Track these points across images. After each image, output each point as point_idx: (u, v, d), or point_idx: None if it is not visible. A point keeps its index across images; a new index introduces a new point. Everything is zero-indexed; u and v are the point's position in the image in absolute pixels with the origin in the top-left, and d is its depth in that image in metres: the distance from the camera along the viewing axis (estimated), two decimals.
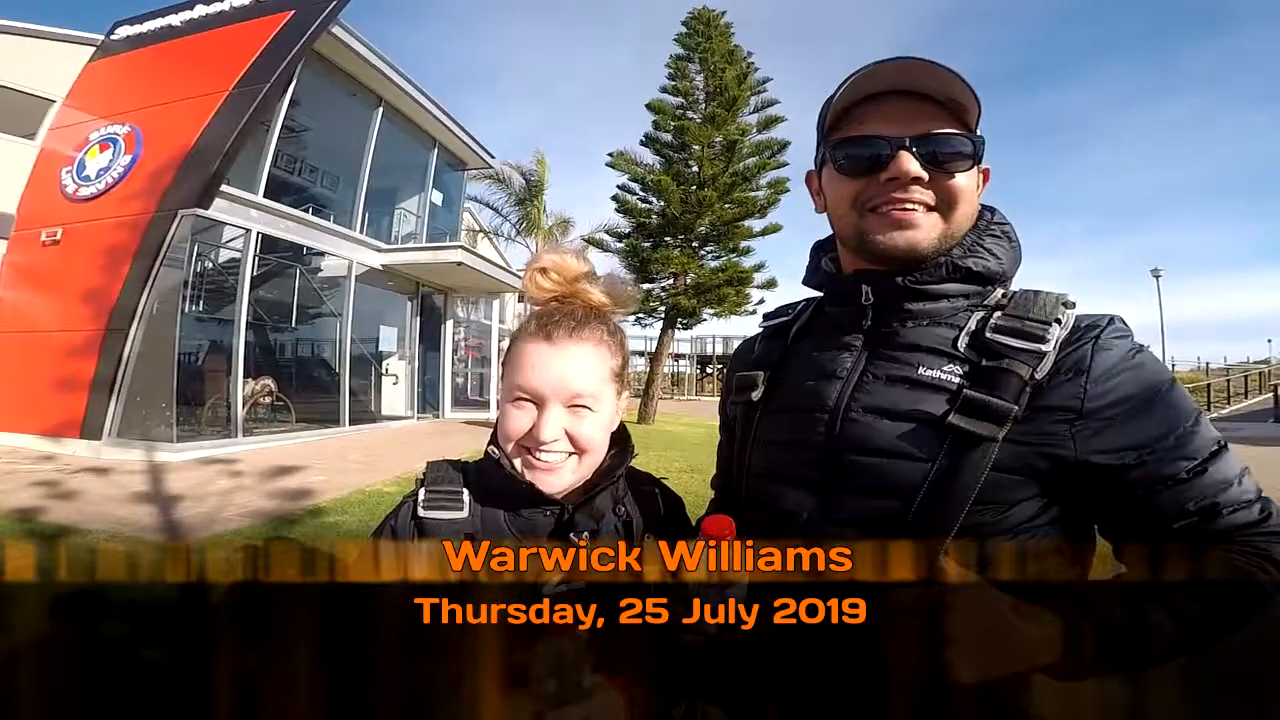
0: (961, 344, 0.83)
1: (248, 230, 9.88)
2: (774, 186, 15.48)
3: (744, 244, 16.06)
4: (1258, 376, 29.95)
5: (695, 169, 15.45)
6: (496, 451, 1.02)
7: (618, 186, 16.14)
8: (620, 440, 1.09)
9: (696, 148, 15.35)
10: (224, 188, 9.02)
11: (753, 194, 15.54)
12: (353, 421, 11.75)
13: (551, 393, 0.99)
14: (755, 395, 1.00)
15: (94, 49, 11.03)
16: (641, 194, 16.03)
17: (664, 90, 15.93)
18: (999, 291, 0.88)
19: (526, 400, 0.99)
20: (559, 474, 1.01)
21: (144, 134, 9.52)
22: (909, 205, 0.84)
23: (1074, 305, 0.83)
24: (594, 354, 1.02)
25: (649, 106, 15.78)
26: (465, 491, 1.03)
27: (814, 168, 0.97)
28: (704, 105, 15.63)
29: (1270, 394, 24.44)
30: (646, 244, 16.08)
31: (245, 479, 6.99)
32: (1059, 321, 0.81)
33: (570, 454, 1.01)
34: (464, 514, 1.01)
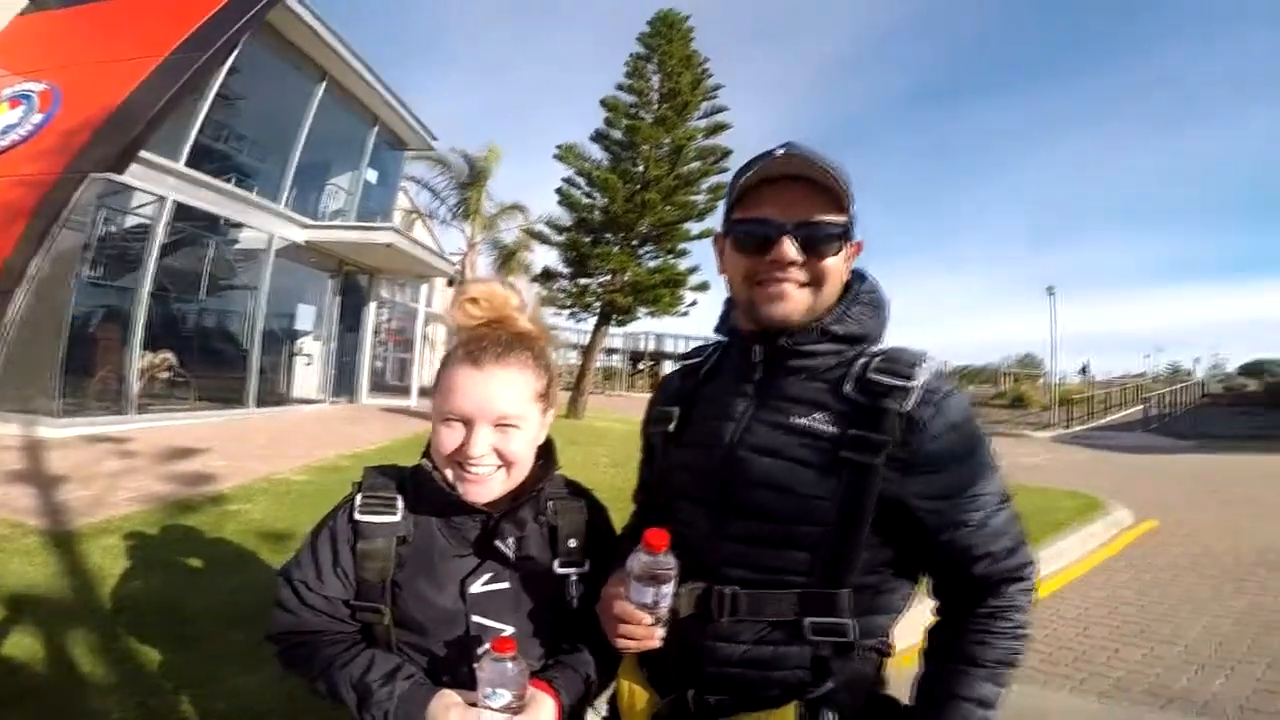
0: (848, 388, 1.00)
1: (162, 198, 9.23)
2: (713, 192, 15.57)
3: (681, 246, 16.14)
4: (1133, 389, 32.66)
5: (641, 169, 15.43)
6: (429, 464, 1.09)
7: (563, 180, 15.98)
8: (545, 453, 1.18)
9: (645, 148, 15.34)
10: (142, 153, 8.37)
11: (693, 198, 15.64)
12: (260, 402, 11.18)
13: (478, 414, 1.06)
14: (670, 427, 1.17)
15: (27, 3, 10.16)
16: (587, 189, 15.89)
17: (619, 87, 15.90)
18: (871, 348, 1.05)
19: (455, 420, 1.06)
20: (487, 485, 1.08)
21: (63, 93, 8.80)
22: (786, 283, 1.01)
23: (928, 359, 1.02)
24: (519, 377, 1.09)
25: (603, 103, 15.70)
26: (400, 498, 1.11)
27: (720, 232, 1.13)
28: (656, 106, 15.64)
29: (1142, 405, 27.12)
30: (587, 239, 15.94)
31: (138, 460, 6.50)
32: (924, 365, 1.00)
33: (499, 467, 1.08)
34: (398, 518, 1.10)
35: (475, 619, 1.08)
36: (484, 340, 1.10)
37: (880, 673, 1.06)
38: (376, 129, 13.96)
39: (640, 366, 36.79)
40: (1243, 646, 3.87)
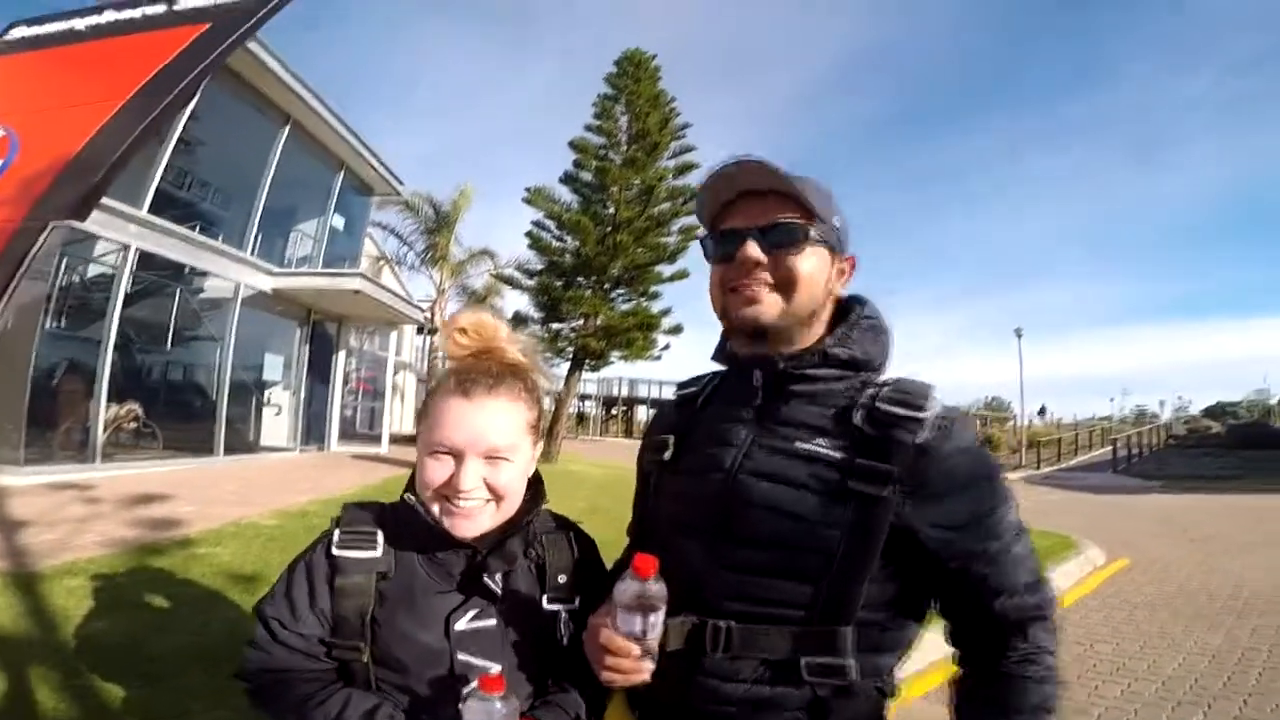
0: (857, 418, 0.97)
1: (125, 246, 9.19)
2: (685, 233, 15.58)
3: (653, 289, 16.24)
4: (1100, 431, 33.49)
5: (612, 211, 15.53)
6: (413, 498, 1.06)
7: (533, 223, 16.06)
8: (533, 485, 1.15)
9: (615, 189, 15.45)
10: (104, 200, 8.34)
11: (665, 240, 15.67)
12: (228, 450, 10.99)
13: (468, 446, 1.03)
14: (666, 455, 1.14)
15: None
16: (557, 233, 16.00)
17: (588, 129, 15.96)
18: (877, 376, 1.03)
19: (444, 453, 1.04)
20: (477, 520, 1.05)
21: (20, 139, 8.71)
22: (754, 285, 1.02)
23: (936, 392, 1.01)
24: (510, 408, 1.07)
25: (571, 144, 15.76)
26: (379, 533, 1.08)
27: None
28: (626, 147, 15.67)
29: (1109, 447, 27.41)
30: (558, 283, 15.93)
31: (103, 505, 6.36)
32: (935, 396, 0.98)
33: (488, 501, 1.06)
34: (378, 553, 1.06)
35: (461, 657, 1.03)
36: (474, 371, 1.08)
37: (882, 714, 1.01)
38: (343, 174, 14.02)
39: (614, 412, 36.76)
40: (1219, 683, 3.90)
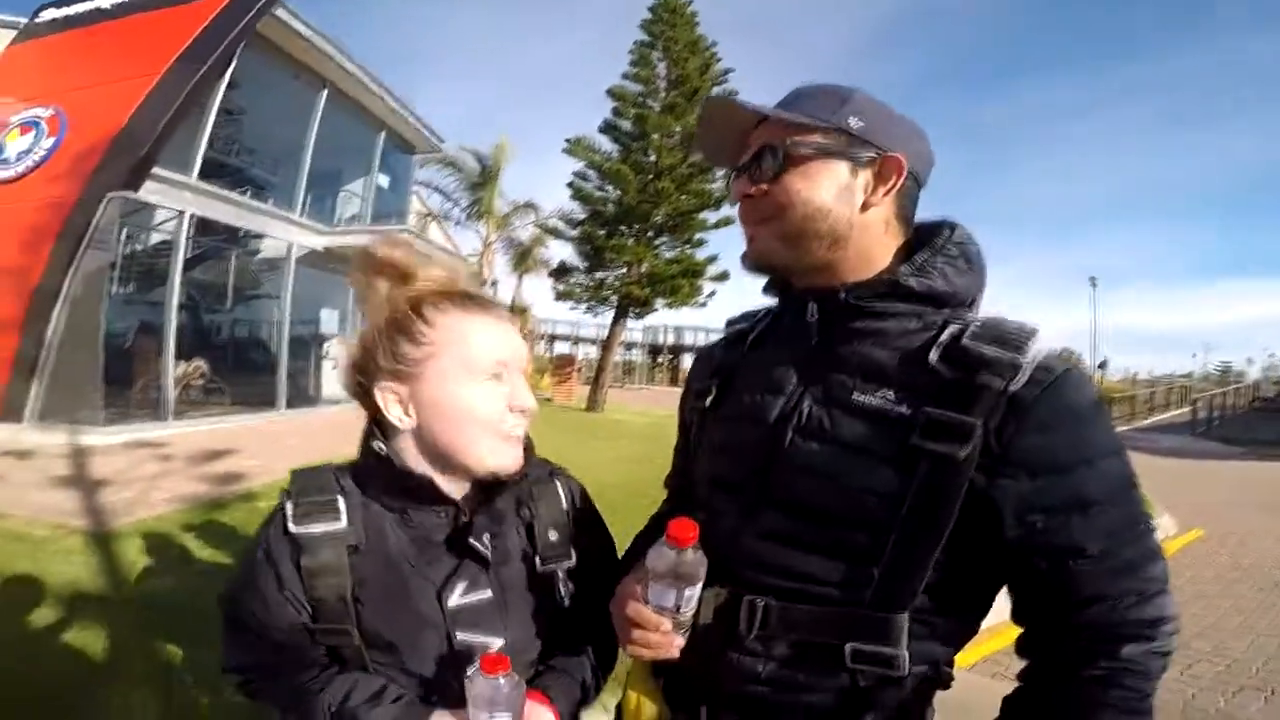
0: (933, 357, 0.80)
1: (180, 212, 9.60)
2: (729, 179, 15.40)
3: (698, 236, 16.11)
4: (1180, 390, 30.67)
5: (653, 158, 15.40)
6: (384, 448, 0.94)
7: (574, 174, 16.05)
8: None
9: (655, 137, 15.30)
10: (156, 170, 8.76)
11: (709, 186, 15.43)
12: (290, 404, 11.51)
13: (515, 360, 0.95)
14: (707, 401, 1.01)
15: (15, 32, 10.63)
16: (598, 182, 15.95)
17: (625, 77, 15.79)
18: (966, 315, 0.85)
19: (493, 373, 0.93)
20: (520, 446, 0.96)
21: (69, 117, 9.20)
22: (749, 222, 0.91)
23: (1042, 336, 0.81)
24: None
25: (609, 93, 15.65)
26: (340, 499, 0.93)
27: None
28: (665, 94, 15.51)
29: (1189, 407, 24.67)
30: (601, 232, 15.98)
31: (174, 463, 6.82)
32: (1039, 338, 0.79)
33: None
34: (343, 524, 0.92)
35: (459, 634, 0.93)
36: (468, 290, 0.98)
37: (929, 706, 0.87)
38: (383, 134, 14.19)
39: (659, 360, 36.90)
40: None
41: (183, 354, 9.89)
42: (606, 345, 17.45)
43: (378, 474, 0.94)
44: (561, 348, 30.79)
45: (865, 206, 0.85)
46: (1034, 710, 0.79)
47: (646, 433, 11.13)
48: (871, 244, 0.87)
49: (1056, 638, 0.78)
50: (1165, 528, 6.88)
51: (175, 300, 9.56)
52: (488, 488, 0.96)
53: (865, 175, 0.85)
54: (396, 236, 1.05)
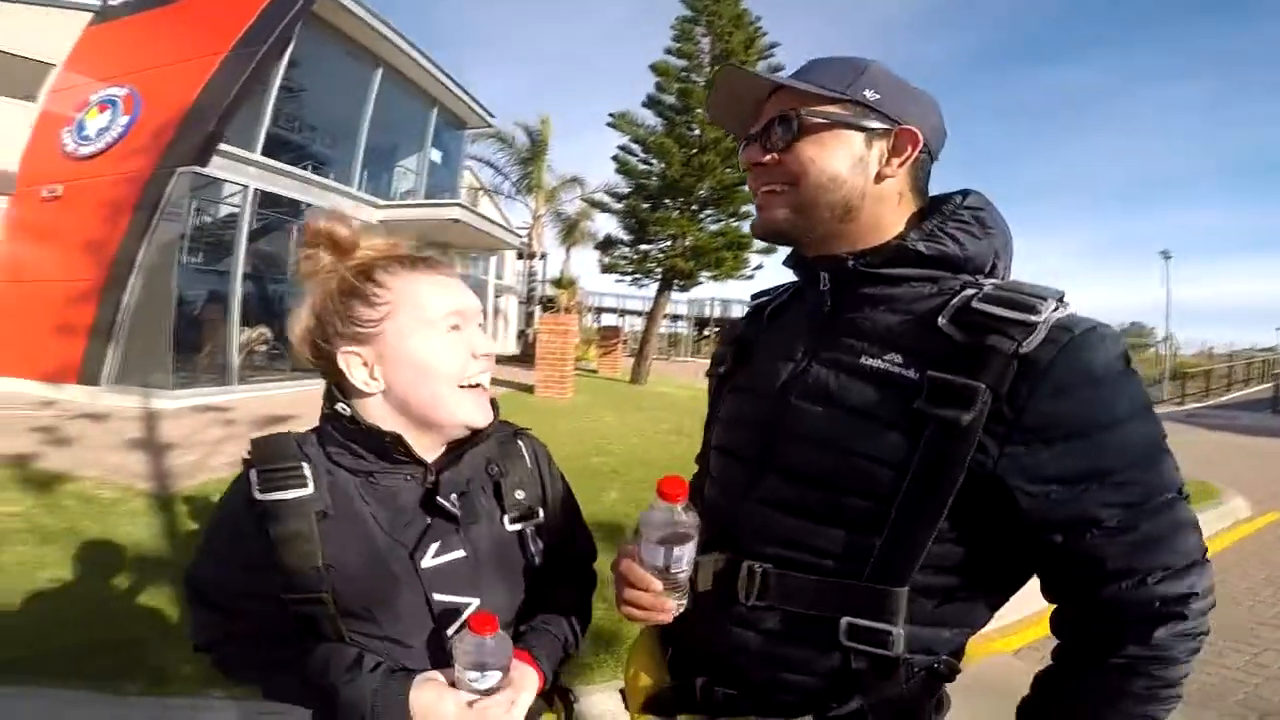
0: (942, 320, 0.77)
1: (245, 186, 10.12)
2: None
3: (744, 208, 15.98)
4: (1261, 364, 28.88)
5: (697, 132, 15.28)
6: (348, 408, 0.92)
7: (618, 147, 16.07)
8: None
9: (699, 110, 15.21)
10: (222, 146, 9.25)
11: None
12: None
13: (473, 311, 0.97)
14: (722, 370, 1.04)
15: (92, 14, 11.21)
16: (642, 156, 15.98)
17: (668, 51, 15.64)
18: (978, 279, 0.83)
19: (449, 326, 0.93)
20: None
21: (142, 95, 9.75)
22: (760, 190, 0.91)
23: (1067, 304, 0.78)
24: None
25: (653, 68, 15.52)
26: (304, 465, 0.91)
27: None
28: (709, 68, 15.33)
29: (1271, 383, 23.08)
30: (645, 205, 16.02)
31: (237, 427, 7.21)
32: (1055, 299, 0.76)
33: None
34: (309, 490, 0.89)
35: (437, 597, 0.92)
36: (412, 254, 0.98)
37: (935, 698, 0.83)
38: (436, 110, 14.55)
39: (705, 333, 36.83)
40: None
41: (248, 321, 10.47)
42: (650, 317, 17.55)
43: (346, 436, 0.93)
44: (609, 320, 31.14)
45: (880, 178, 0.85)
46: (1059, 692, 0.78)
47: (688, 406, 11.13)
48: (883, 214, 0.87)
49: (1082, 616, 0.76)
50: (1237, 511, 6.53)
51: (240, 270, 10.12)
52: (454, 448, 0.97)
53: (880, 146, 0.85)
54: (335, 209, 1.06)
